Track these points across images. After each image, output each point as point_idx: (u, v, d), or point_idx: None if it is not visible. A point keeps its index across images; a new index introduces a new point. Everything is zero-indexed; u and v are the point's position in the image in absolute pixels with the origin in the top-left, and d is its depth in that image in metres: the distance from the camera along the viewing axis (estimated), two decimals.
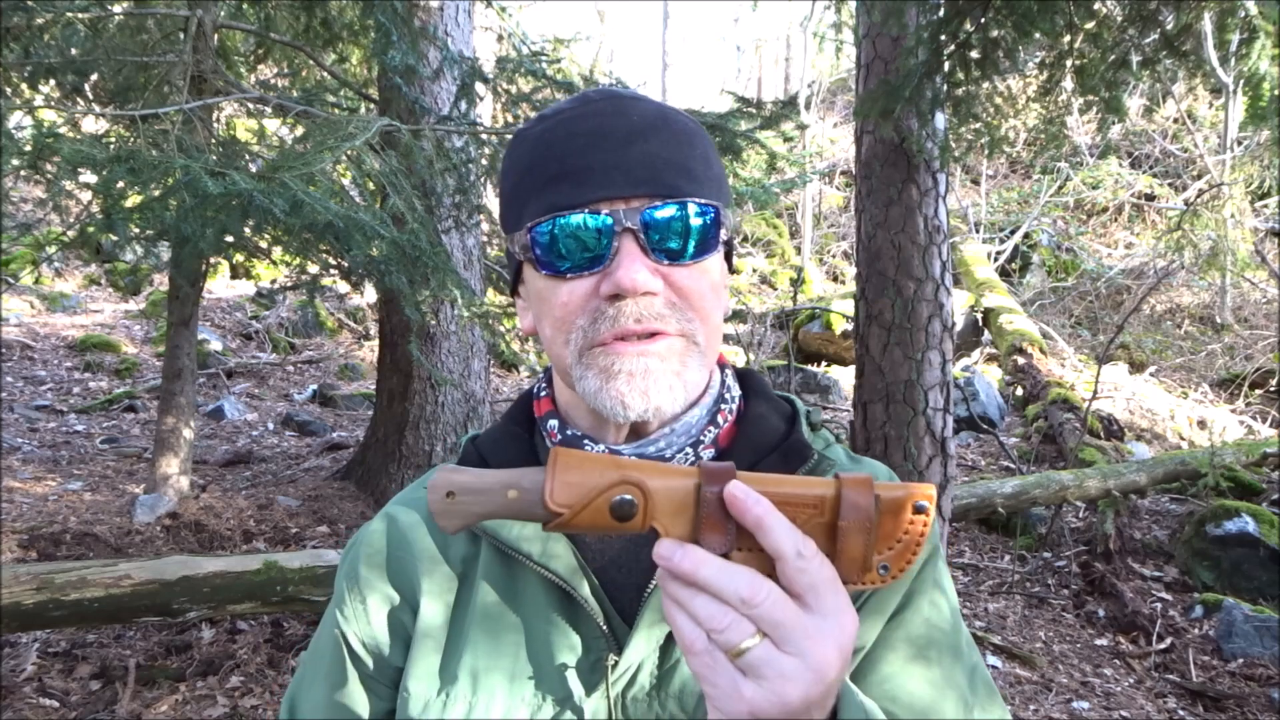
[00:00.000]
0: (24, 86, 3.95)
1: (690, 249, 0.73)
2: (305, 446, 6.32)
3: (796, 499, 0.56)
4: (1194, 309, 11.55)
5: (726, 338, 8.88)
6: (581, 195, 0.71)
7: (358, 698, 0.83)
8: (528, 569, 0.77)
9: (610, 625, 0.75)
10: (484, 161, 4.22)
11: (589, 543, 0.79)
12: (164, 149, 3.21)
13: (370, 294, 7.91)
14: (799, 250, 14.30)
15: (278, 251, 4.28)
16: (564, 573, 0.76)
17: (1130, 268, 11.87)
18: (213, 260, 5.92)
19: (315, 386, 7.95)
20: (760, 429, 0.83)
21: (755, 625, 0.53)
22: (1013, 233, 12.43)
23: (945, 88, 2.97)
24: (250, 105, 4.54)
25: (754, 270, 13.42)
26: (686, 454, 0.78)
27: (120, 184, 2.88)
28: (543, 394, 0.85)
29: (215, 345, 8.39)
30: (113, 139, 3.86)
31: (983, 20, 2.73)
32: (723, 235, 0.76)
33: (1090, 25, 2.82)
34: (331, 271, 4.27)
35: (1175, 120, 13.43)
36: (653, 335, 0.72)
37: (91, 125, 4.55)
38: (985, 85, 3.02)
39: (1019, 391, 8.24)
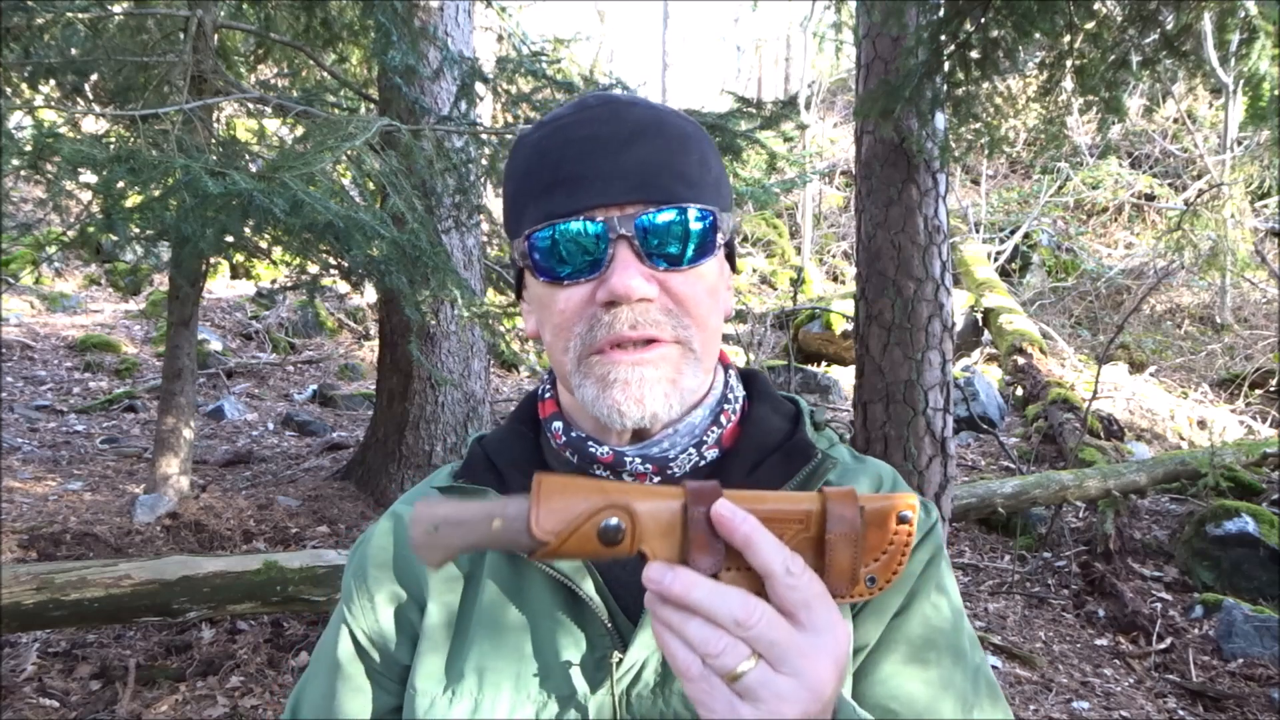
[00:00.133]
0: (24, 86, 3.95)
1: (686, 254, 0.73)
2: (305, 446, 6.32)
3: (783, 515, 0.56)
4: (1194, 309, 11.55)
5: (726, 338, 8.87)
6: (577, 202, 0.72)
7: (363, 692, 0.84)
8: (533, 567, 0.78)
9: (615, 622, 0.76)
10: (484, 161, 4.22)
11: None
12: (164, 149, 3.21)
13: (370, 294, 7.91)
14: (799, 250, 14.31)
15: (278, 251, 4.28)
16: (568, 570, 0.76)
17: (1130, 268, 11.87)
18: (213, 260, 5.91)
19: (315, 386, 7.95)
20: (764, 429, 0.83)
21: (750, 647, 0.52)
22: (1013, 233, 12.44)
23: (945, 88, 2.98)
24: (250, 105, 4.54)
25: (754, 270, 13.43)
26: (690, 454, 0.79)
27: (120, 184, 2.88)
28: (547, 395, 0.86)
29: (215, 345, 8.39)
30: (113, 139, 3.86)
31: (983, 20, 2.73)
32: (720, 238, 0.76)
33: (1090, 25, 2.82)
34: (331, 271, 4.27)
35: (1175, 120, 13.44)
36: (649, 343, 0.73)
37: (91, 125, 4.54)
38: (985, 85, 3.03)
39: (1019, 391, 8.24)
